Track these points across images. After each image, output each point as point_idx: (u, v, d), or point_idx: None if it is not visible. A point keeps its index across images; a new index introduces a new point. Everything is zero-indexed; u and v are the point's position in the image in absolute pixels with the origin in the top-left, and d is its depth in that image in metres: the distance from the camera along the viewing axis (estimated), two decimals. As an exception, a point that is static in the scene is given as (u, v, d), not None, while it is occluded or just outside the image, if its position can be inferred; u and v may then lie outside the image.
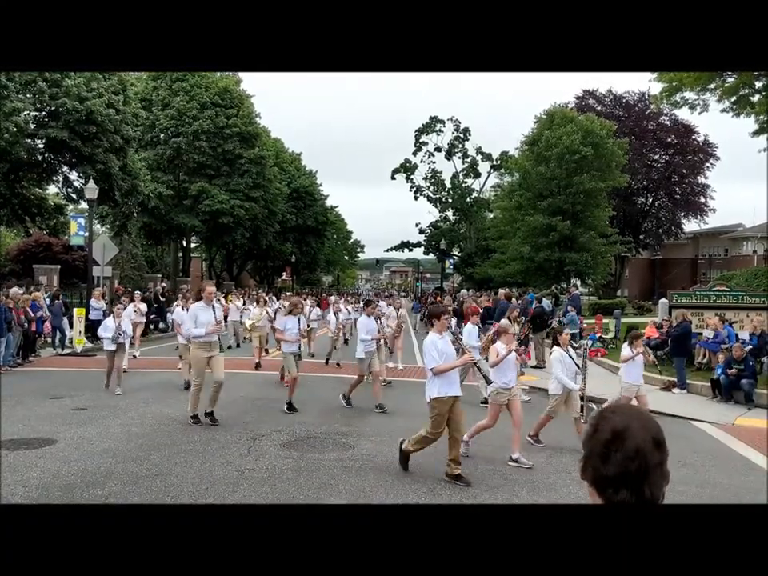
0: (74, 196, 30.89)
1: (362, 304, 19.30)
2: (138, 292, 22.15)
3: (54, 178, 30.22)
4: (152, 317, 23.97)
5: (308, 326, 19.04)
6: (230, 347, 19.59)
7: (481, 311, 21.57)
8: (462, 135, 59.74)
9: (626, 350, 10.81)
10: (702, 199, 51.95)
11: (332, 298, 22.49)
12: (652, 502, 1.70)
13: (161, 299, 26.82)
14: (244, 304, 23.33)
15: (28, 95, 25.19)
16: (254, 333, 17.57)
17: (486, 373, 8.89)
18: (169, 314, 22.09)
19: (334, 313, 18.97)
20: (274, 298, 27.66)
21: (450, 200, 60.17)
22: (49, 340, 20.00)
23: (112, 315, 13.33)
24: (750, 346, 14.74)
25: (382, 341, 16.87)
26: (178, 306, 19.85)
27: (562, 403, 9.70)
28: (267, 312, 18.14)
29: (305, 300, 25.24)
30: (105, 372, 13.05)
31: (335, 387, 13.33)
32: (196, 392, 9.97)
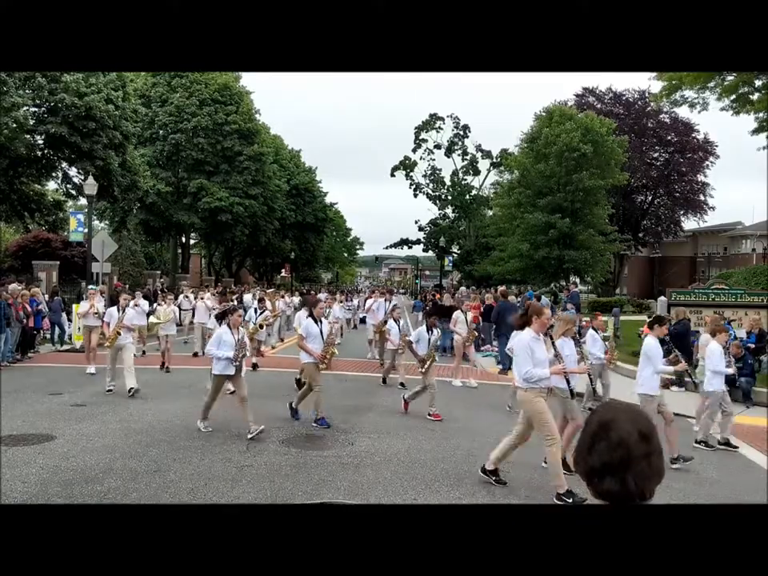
0: (74, 192, 30.89)
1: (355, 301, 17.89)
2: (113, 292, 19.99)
3: (54, 174, 30.21)
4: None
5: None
6: (195, 354, 17.19)
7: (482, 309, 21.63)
8: (461, 132, 59.79)
9: None
10: (702, 197, 52.02)
11: (321, 296, 21.41)
12: (640, 495, 1.72)
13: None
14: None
15: (27, 91, 25.14)
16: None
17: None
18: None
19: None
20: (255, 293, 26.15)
21: (449, 197, 60.21)
22: (48, 336, 19.99)
23: (227, 326, 9.40)
24: (749, 344, 14.77)
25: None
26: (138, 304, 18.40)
27: None
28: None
29: (282, 296, 23.42)
30: (200, 400, 9.87)
31: (334, 385, 13.34)
32: (559, 457, 7.10)
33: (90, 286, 17.93)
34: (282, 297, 23.37)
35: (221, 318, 9.85)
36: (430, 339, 11.47)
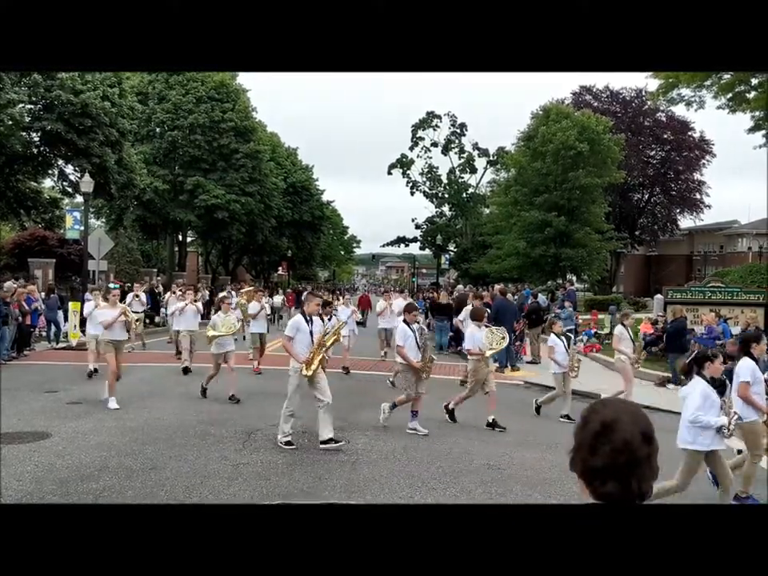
0: (70, 190, 30.78)
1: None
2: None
3: (50, 172, 30.10)
4: (147, 309, 23.82)
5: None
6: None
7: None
8: (458, 131, 59.72)
9: None
10: (698, 196, 52.16)
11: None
12: (640, 495, 1.72)
13: (156, 293, 26.73)
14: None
15: (23, 88, 25.03)
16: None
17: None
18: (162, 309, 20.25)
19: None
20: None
21: (446, 195, 60.17)
22: (44, 334, 19.95)
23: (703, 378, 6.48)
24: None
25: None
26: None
27: None
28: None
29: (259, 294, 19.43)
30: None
31: (331, 383, 13.31)
32: None
33: (110, 285, 15.38)
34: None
35: (697, 364, 6.54)
36: None
